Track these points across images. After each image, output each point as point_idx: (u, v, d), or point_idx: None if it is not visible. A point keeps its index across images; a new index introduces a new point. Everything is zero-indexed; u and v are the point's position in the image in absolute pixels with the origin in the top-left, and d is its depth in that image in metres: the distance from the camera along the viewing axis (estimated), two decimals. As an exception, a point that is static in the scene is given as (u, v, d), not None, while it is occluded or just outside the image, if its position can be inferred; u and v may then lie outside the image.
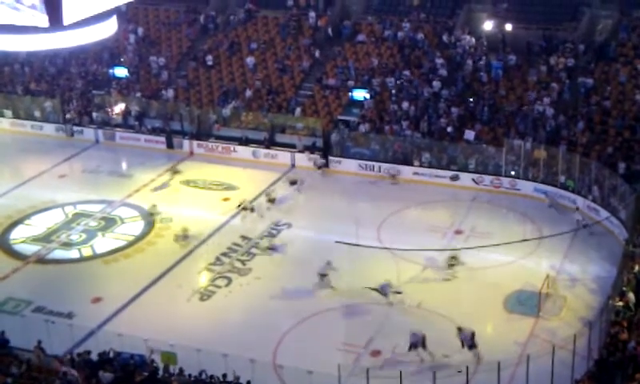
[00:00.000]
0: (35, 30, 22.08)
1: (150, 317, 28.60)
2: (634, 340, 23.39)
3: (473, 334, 25.14)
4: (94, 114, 45.91)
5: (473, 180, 38.03)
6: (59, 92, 47.28)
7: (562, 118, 38.46)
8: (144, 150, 43.51)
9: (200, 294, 30.08)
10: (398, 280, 30.01)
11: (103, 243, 34.01)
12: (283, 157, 41.36)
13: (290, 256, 32.43)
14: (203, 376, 23.44)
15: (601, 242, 32.42)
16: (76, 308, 29.00)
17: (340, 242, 32.69)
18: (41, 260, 32.96)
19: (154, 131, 44.38)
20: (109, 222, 35.74)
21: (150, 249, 33.59)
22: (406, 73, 42.31)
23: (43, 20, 21.41)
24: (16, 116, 47.21)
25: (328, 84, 43.75)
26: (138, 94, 46.15)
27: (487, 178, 37.70)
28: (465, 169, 38.36)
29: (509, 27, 42.75)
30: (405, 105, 40.98)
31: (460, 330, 25.43)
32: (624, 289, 26.03)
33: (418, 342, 25.18)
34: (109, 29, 24.80)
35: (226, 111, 43.81)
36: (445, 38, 43.70)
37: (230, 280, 30.93)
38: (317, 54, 45.44)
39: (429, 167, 38.88)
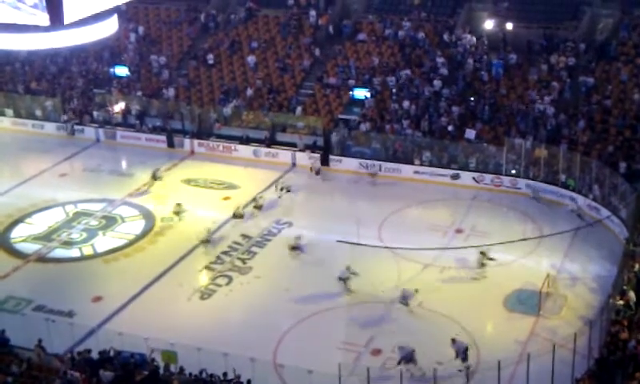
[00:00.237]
0: (36, 29, 22.05)
1: (150, 316, 28.60)
2: (635, 339, 23.35)
3: (466, 348, 24.68)
4: (95, 113, 45.94)
5: (473, 179, 38.02)
6: (60, 91, 47.31)
7: (562, 116, 38.45)
8: (145, 149, 43.52)
9: (200, 292, 30.09)
10: (399, 279, 30.05)
11: (104, 242, 34.01)
12: (284, 156, 41.36)
13: (290, 255, 32.40)
14: (204, 375, 23.42)
15: (601, 240, 32.40)
16: (76, 307, 29.02)
17: (341, 242, 32.67)
18: (41, 259, 32.98)
19: (155, 130, 44.40)
20: (109, 221, 35.74)
21: (150, 248, 33.60)
22: (407, 72, 42.30)
23: (44, 19, 21.39)
24: (17, 115, 47.23)
25: (329, 83, 43.75)
26: (139, 93, 46.17)
27: (488, 177, 37.70)
28: (465, 168, 38.37)
29: (509, 26, 42.73)
30: (405, 104, 40.97)
31: (454, 341, 25.00)
32: (624, 288, 26.01)
33: (407, 357, 24.61)
34: (109, 28, 24.77)
35: (227, 110, 43.82)
36: (446, 36, 43.69)
37: (230, 279, 30.94)
38: (317, 52, 45.44)
39: (429, 166, 38.89)
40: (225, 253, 32.63)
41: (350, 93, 42.73)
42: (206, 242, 33.11)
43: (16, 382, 23.30)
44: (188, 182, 39.68)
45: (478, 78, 41.56)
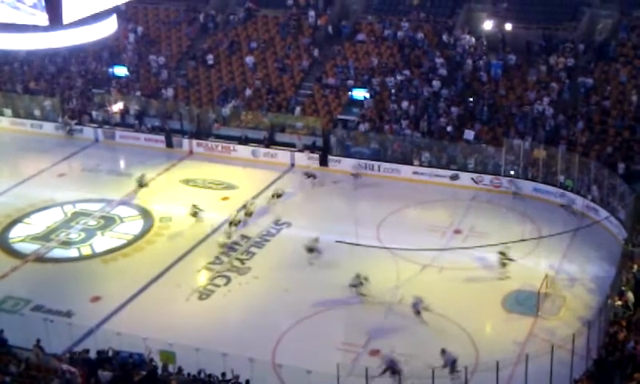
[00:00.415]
0: (35, 28, 22.06)
1: (148, 316, 28.58)
2: (633, 339, 23.39)
3: (454, 361, 24.35)
4: (94, 113, 45.92)
5: (472, 179, 38.03)
6: (59, 91, 47.29)
7: (561, 117, 38.46)
8: (144, 149, 43.51)
9: (199, 293, 30.07)
10: (398, 279, 30.05)
11: (102, 242, 34.00)
12: (283, 156, 41.35)
13: (289, 255, 32.40)
14: (202, 375, 23.42)
15: (600, 241, 32.41)
16: (75, 307, 29.00)
17: (340, 242, 32.66)
18: (40, 259, 32.96)
19: (154, 130, 44.39)
20: (108, 221, 35.73)
21: (149, 248, 33.58)
22: (406, 72, 42.31)
23: (43, 19, 21.39)
24: (15, 115, 47.22)
25: (328, 83, 43.75)
26: (138, 93, 46.16)
27: (487, 178, 37.71)
28: (464, 168, 38.37)
29: (508, 27, 42.74)
30: (404, 104, 40.98)
31: (444, 351, 24.61)
32: (623, 288, 26.03)
33: (389, 364, 24.10)
34: (108, 28, 24.78)
35: (226, 110, 43.81)
36: (445, 37, 43.69)
37: (229, 279, 30.92)
38: (316, 53, 45.44)
39: (428, 167, 38.89)
40: (223, 253, 32.60)
41: (349, 93, 42.72)
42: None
43: (14, 382, 23.29)
44: (186, 182, 39.66)
45: (476, 78, 41.57)
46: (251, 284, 30.64)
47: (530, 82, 40.52)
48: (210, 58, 46.63)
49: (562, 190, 35.84)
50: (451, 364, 24.30)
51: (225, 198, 37.53)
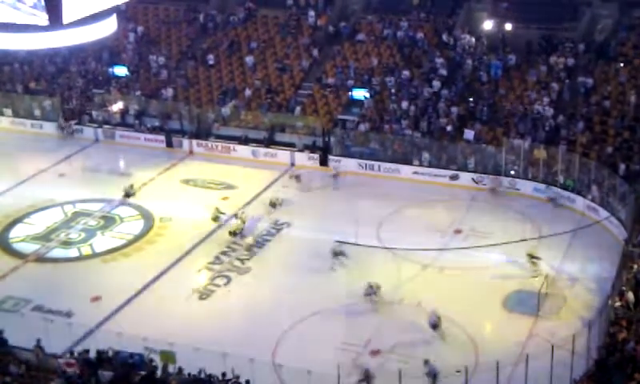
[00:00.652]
0: (35, 28, 22.05)
1: (149, 316, 28.56)
2: (633, 340, 23.38)
3: (436, 375, 23.94)
4: (94, 113, 45.90)
5: (472, 179, 38.02)
6: (59, 91, 47.27)
7: (561, 117, 38.45)
8: (144, 149, 43.46)
9: (199, 292, 30.06)
10: (398, 279, 30.04)
11: (102, 242, 33.99)
12: (283, 156, 41.34)
13: (289, 255, 32.39)
14: (202, 375, 23.39)
15: (600, 241, 32.40)
16: (75, 307, 28.97)
17: (340, 242, 32.65)
18: (40, 259, 32.95)
19: (154, 130, 44.37)
20: (108, 221, 35.72)
21: (149, 248, 33.58)
22: (406, 72, 42.30)
23: (43, 19, 21.38)
24: (16, 115, 47.14)
25: (328, 83, 43.73)
26: (138, 93, 46.13)
27: (487, 178, 37.68)
28: (464, 168, 38.35)
29: (509, 27, 42.71)
30: (404, 104, 40.97)
31: (426, 362, 24.26)
32: (623, 288, 26.01)
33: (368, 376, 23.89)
34: (108, 27, 24.74)
35: (226, 110, 43.79)
36: (444, 37, 43.68)
37: (229, 279, 30.93)
38: (316, 53, 45.43)
39: (428, 166, 38.88)
40: (223, 253, 32.61)
41: (349, 93, 42.70)
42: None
43: (14, 383, 23.28)
44: (186, 182, 39.66)
45: (476, 78, 41.55)
46: (251, 284, 30.65)
47: (530, 81, 40.50)
48: (210, 58, 46.60)
49: (545, 185, 36.13)
50: (433, 376, 23.93)
51: (225, 198, 37.49)
